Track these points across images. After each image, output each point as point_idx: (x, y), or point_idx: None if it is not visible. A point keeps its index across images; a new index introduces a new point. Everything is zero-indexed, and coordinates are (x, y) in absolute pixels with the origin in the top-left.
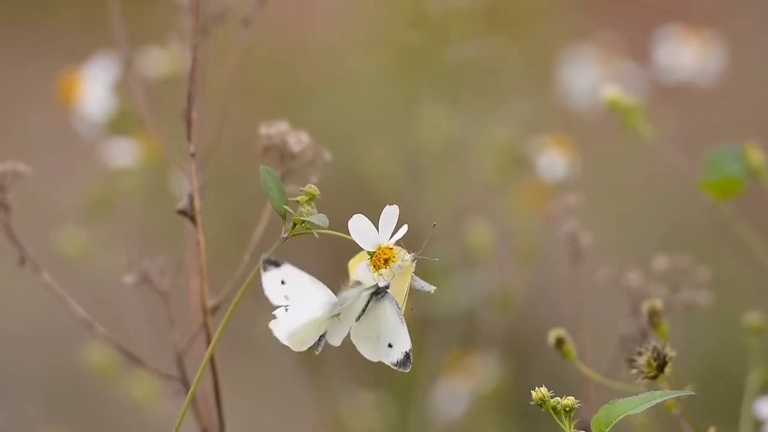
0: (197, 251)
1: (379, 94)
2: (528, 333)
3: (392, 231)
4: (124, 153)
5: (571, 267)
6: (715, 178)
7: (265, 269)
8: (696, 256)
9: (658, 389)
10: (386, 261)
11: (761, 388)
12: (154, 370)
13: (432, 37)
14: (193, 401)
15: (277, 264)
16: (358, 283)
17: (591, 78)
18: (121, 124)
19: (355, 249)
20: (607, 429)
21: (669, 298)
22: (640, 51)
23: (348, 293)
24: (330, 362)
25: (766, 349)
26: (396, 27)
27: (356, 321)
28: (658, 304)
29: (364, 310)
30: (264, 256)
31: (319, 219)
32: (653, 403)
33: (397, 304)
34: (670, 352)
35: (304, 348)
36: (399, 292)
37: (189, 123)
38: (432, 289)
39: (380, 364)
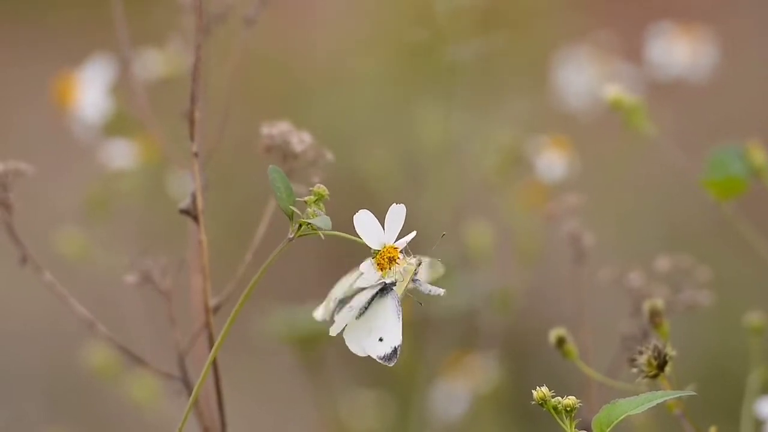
0: (199, 251)
1: (379, 94)
2: (528, 333)
3: (398, 230)
4: (121, 154)
5: (573, 267)
6: (718, 178)
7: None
8: (697, 256)
9: (659, 389)
10: (390, 260)
11: (762, 387)
12: (155, 370)
13: (431, 36)
14: (195, 401)
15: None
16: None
17: (588, 78)
18: (118, 125)
19: (355, 248)
20: (608, 429)
21: (670, 298)
22: (640, 50)
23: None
24: (330, 362)
25: (767, 349)
26: (396, 27)
27: (357, 317)
28: (660, 303)
29: (366, 307)
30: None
31: (322, 221)
32: (654, 403)
33: (398, 301)
34: (670, 352)
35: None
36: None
37: (192, 122)
38: (441, 291)
39: (380, 363)
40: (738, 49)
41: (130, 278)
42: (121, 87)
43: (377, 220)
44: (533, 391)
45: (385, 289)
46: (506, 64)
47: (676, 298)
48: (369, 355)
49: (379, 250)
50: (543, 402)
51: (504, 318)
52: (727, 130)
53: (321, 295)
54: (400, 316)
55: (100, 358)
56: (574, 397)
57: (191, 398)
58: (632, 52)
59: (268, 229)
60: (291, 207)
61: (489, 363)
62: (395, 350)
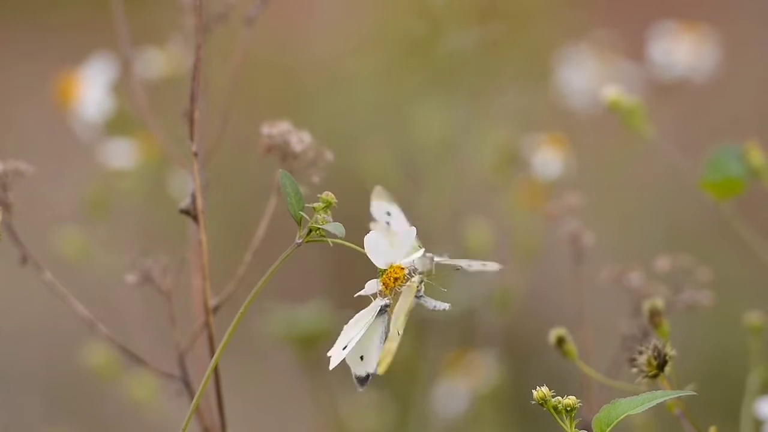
0: (199, 251)
1: (379, 94)
2: (528, 333)
3: (405, 251)
4: (122, 154)
5: (573, 267)
6: (716, 178)
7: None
8: (697, 256)
9: (659, 389)
10: (395, 280)
11: (762, 387)
12: (155, 370)
13: (430, 34)
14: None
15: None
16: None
17: (588, 77)
18: (119, 124)
19: (356, 253)
20: (608, 429)
21: (670, 298)
22: (641, 49)
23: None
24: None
25: (766, 348)
26: (395, 26)
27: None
28: (660, 303)
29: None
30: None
31: (336, 228)
32: (654, 402)
33: (386, 327)
34: (670, 352)
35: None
36: (402, 308)
37: (192, 122)
38: (445, 307)
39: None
40: (739, 49)
41: (131, 278)
42: (122, 86)
43: (387, 242)
44: (533, 390)
45: (380, 311)
46: (506, 63)
47: (676, 298)
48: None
49: (385, 270)
50: (543, 402)
51: (503, 318)
52: (728, 130)
53: (321, 295)
54: (382, 343)
55: (100, 357)
56: (574, 397)
57: (194, 401)
58: (634, 50)
59: (269, 229)
60: (301, 213)
61: (489, 363)
62: (368, 377)
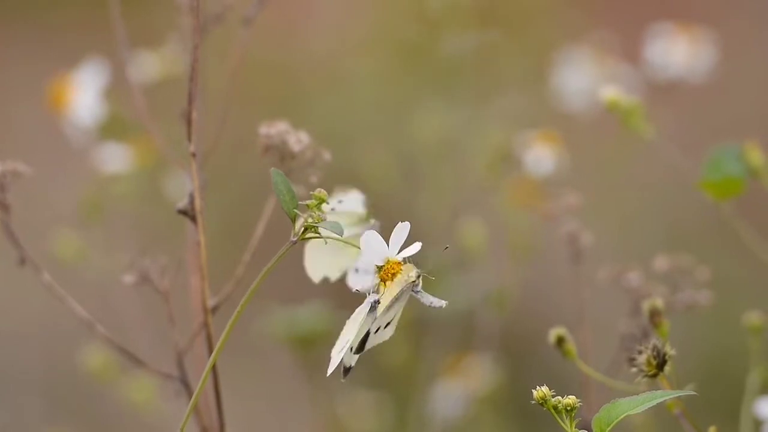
0: (197, 251)
1: (377, 94)
2: (527, 333)
3: (400, 245)
4: (116, 158)
5: (572, 267)
6: (715, 178)
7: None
8: (696, 256)
9: (659, 389)
10: (393, 275)
11: (762, 387)
12: (154, 370)
13: (429, 35)
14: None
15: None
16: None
17: (586, 78)
18: (113, 128)
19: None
20: (608, 428)
21: (670, 297)
22: (639, 50)
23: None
24: (327, 363)
25: (766, 348)
26: (393, 26)
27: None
28: (659, 303)
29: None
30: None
31: (334, 226)
32: (654, 402)
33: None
34: (669, 351)
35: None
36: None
37: (189, 123)
38: (442, 304)
39: (377, 365)
40: (739, 50)
41: (129, 278)
42: (119, 87)
43: (382, 239)
44: (533, 390)
45: (372, 308)
46: (505, 64)
47: (675, 298)
48: (366, 355)
49: (382, 266)
50: (543, 401)
51: (502, 318)
52: (727, 130)
53: (320, 296)
54: (357, 342)
55: (98, 359)
56: (574, 397)
57: (192, 399)
58: (631, 51)
59: (267, 229)
60: (295, 211)
61: (487, 363)
62: (349, 370)
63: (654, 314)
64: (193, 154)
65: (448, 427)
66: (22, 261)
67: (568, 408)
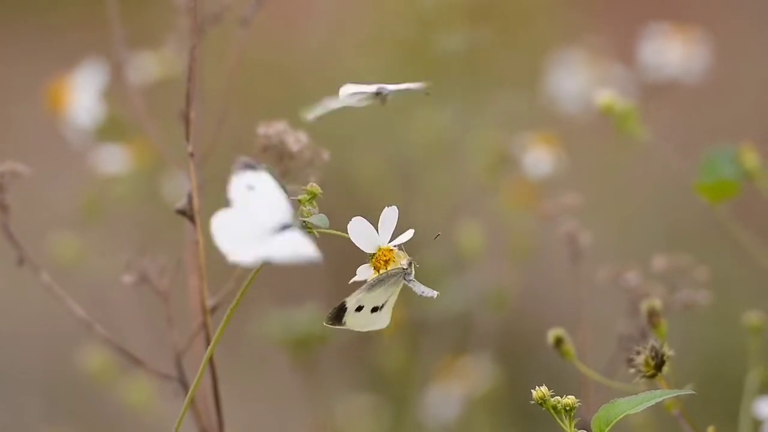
0: (196, 251)
1: None
2: (525, 333)
3: (392, 232)
4: (114, 159)
5: (570, 267)
6: (710, 181)
7: (239, 170)
8: (695, 256)
9: (657, 389)
10: (386, 262)
11: (760, 387)
12: (152, 371)
13: (427, 36)
14: (193, 402)
15: (254, 167)
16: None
17: (581, 81)
18: (111, 130)
19: (358, 249)
20: (607, 428)
21: (668, 297)
22: (635, 50)
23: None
24: (325, 365)
25: (765, 348)
26: (392, 27)
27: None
28: (657, 303)
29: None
30: (244, 159)
31: (319, 219)
32: (653, 402)
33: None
34: (668, 352)
35: (245, 259)
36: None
37: (187, 123)
38: (434, 294)
39: (376, 366)
40: (737, 50)
41: (128, 278)
42: (117, 88)
43: (371, 225)
44: (532, 390)
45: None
46: (501, 65)
47: (673, 298)
48: (364, 357)
49: (374, 254)
50: (542, 401)
51: (499, 318)
52: (725, 130)
53: (320, 296)
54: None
55: (97, 359)
56: (573, 397)
57: (188, 395)
58: (627, 52)
59: None
60: None
61: (484, 364)
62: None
63: (652, 315)
64: (192, 154)
65: (445, 428)
66: (21, 261)
67: (567, 408)
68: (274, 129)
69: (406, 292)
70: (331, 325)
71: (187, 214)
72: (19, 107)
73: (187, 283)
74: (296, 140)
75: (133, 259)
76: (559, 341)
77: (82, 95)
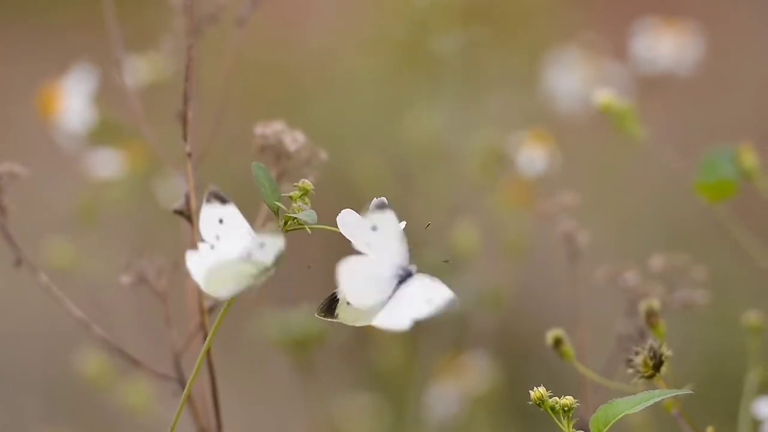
0: None
1: (373, 95)
2: (524, 333)
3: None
4: (108, 163)
5: (568, 267)
6: (709, 180)
7: (208, 201)
8: (694, 256)
9: (656, 389)
10: None
11: (760, 387)
12: (151, 372)
13: (423, 36)
14: (191, 402)
15: (223, 200)
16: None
17: (578, 80)
18: (104, 133)
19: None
20: (606, 428)
21: (666, 297)
22: (629, 47)
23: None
24: (323, 365)
25: (765, 348)
26: (389, 27)
27: None
28: (655, 303)
29: None
30: (212, 188)
31: (308, 215)
32: (652, 402)
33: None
34: (666, 352)
35: (221, 293)
36: None
37: (185, 123)
38: None
39: (374, 366)
40: (733, 48)
41: (126, 279)
42: (113, 89)
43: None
44: (530, 391)
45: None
46: (498, 63)
47: (672, 298)
48: (362, 357)
49: None
50: (540, 402)
51: (496, 318)
52: (723, 130)
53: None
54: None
55: (96, 361)
56: (571, 397)
57: (184, 393)
58: (623, 49)
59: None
60: (276, 203)
61: (483, 364)
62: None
63: (650, 315)
64: (189, 154)
65: (443, 428)
66: (18, 262)
67: (566, 408)
68: (271, 129)
69: None
70: (323, 317)
71: (184, 214)
72: (18, 108)
73: (185, 283)
74: (293, 140)
75: (131, 259)
76: (557, 341)
77: (73, 100)
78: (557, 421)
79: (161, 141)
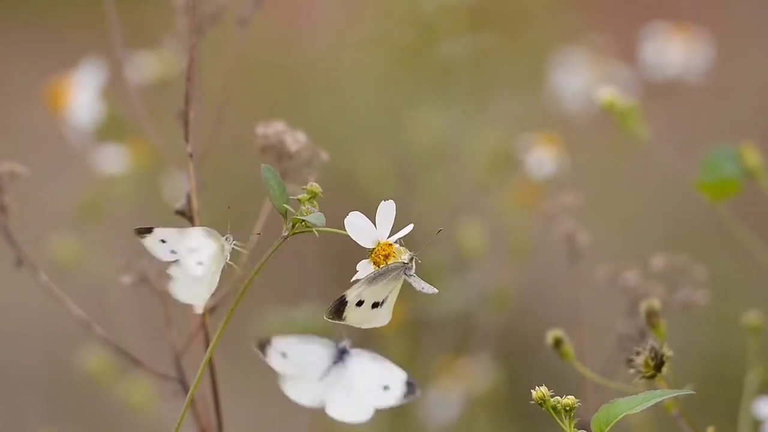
0: None
1: (375, 95)
2: (524, 333)
3: (390, 226)
4: (114, 159)
5: (569, 267)
6: (711, 179)
7: (141, 236)
8: (695, 256)
9: (657, 389)
10: (386, 257)
11: (760, 387)
12: (152, 371)
13: (426, 37)
14: (192, 402)
15: (149, 231)
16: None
17: (583, 80)
18: (111, 129)
19: (355, 247)
20: (607, 428)
21: (667, 297)
22: (636, 50)
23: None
24: None
25: (765, 348)
26: (391, 28)
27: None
28: (656, 303)
29: None
30: (136, 228)
31: (316, 218)
32: (652, 402)
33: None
34: (667, 352)
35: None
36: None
37: (186, 123)
38: (434, 290)
39: None
40: (736, 50)
41: (127, 279)
42: (116, 88)
43: (368, 220)
44: (531, 390)
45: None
46: (502, 65)
47: (672, 298)
48: None
49: (374, 249)
50: (542, 402)
51: (499, 318)
52: (727, 129)
53: (320, 298)
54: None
55: (97, 360)
56: (572, 397)
57: (188, 395)
58: (629, 51)
59: (265, 230)
60: (285, 205)
61: (484, 364)
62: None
63: (651, 315)
64: (191, 155)
65: (445, 427)
66: (19, 262)
67: (567, 408)
68: (272, 129)
69: (406, 292)
70: (331, 319)
71: (186, 214)
72: (19, 107)
73: None
74: (295, 140)
75: (132, 259)
76: (558, 342)
77: (82, 94)
78: (558, 421)
79: (164, 139)
